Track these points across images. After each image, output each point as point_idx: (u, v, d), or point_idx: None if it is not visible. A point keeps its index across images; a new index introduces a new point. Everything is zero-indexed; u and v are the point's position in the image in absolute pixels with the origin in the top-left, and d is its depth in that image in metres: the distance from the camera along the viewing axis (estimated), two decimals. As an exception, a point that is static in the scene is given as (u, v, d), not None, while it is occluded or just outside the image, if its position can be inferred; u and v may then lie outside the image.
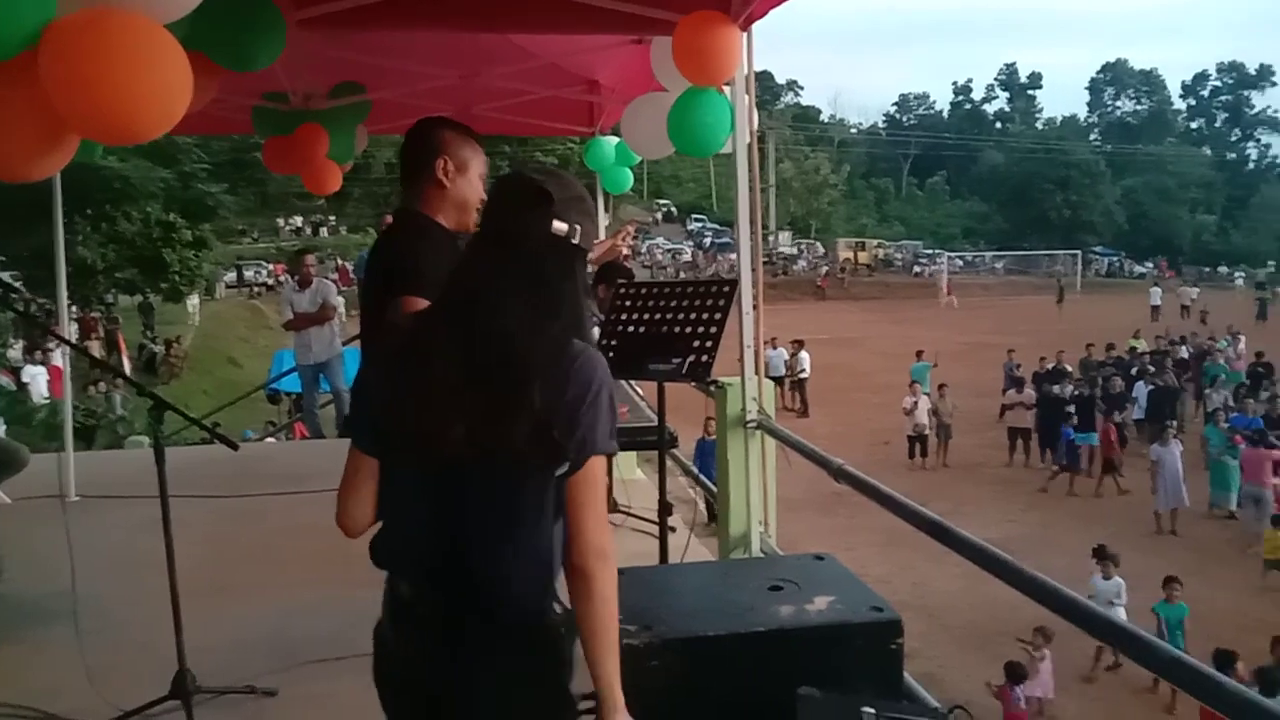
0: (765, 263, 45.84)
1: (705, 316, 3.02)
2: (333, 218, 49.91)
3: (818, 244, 56.77)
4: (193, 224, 24.37)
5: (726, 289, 3.04)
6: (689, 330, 3.04)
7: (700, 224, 59.04)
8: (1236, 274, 55.67)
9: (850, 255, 53.56)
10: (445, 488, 1.55)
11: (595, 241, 5.61)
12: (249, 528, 5.04)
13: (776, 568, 2.67)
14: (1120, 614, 8.35)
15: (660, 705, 2.16)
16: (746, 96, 3.21)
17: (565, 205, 1.61)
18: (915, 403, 16.90)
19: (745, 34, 3.12)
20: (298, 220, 49.84)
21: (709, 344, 2.98)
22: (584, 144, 6.36)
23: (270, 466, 6.35)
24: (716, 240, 53.37)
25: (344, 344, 8.28)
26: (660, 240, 54.03)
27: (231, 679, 3.24)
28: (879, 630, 2.22)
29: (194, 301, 26.80)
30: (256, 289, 37.70)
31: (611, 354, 3.24)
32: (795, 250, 54.93)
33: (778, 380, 21.55)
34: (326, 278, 9.78)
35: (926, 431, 16.93)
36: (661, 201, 62.14)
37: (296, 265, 8.80)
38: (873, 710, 1.96)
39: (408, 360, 1.61)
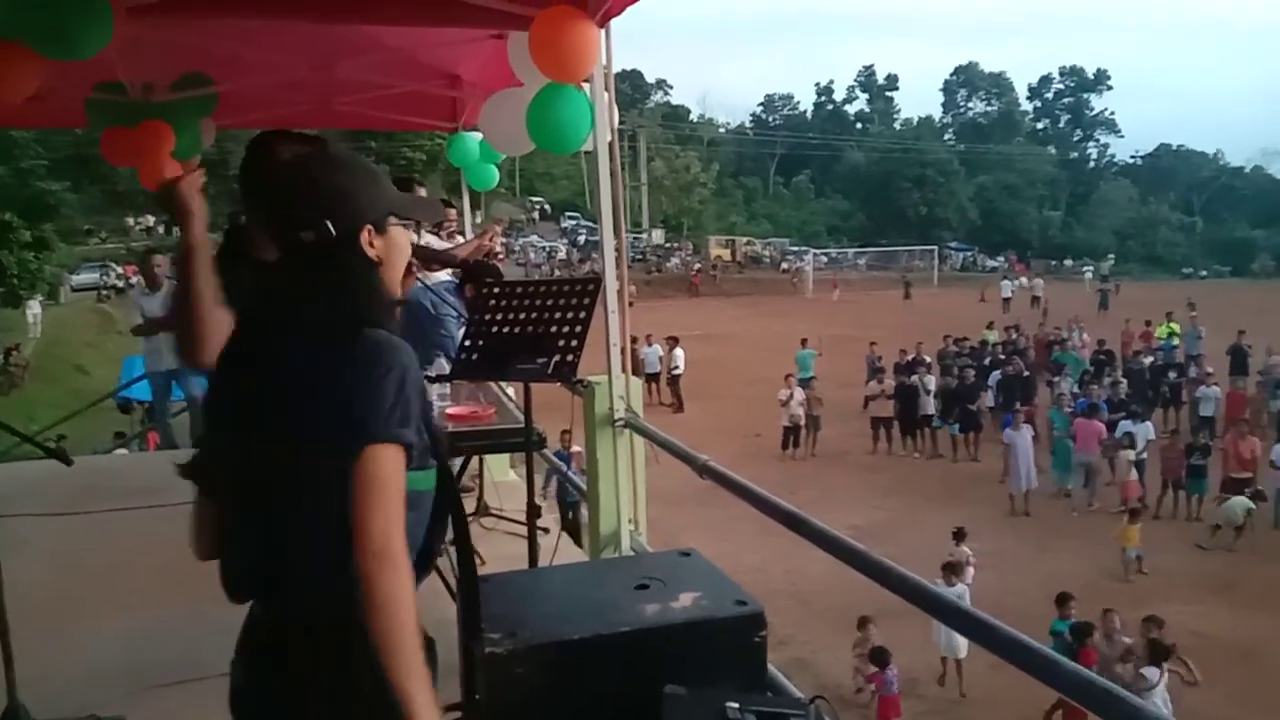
0: (639, 260, 46.22)
1: (570, 316, 2.99)
2: (186, 217, 47.60)
3: (689, 243, 57.52)
4: (31, 224, 22.87)
5: (591, 287, 3.01)
6: (554, 330, 3.00)
7: (574, 221, 58.97)
8: (1085, 268, 59.13)
9: (721, 253, 54.49)
10: (232, 492, 1.56)
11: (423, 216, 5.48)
12: (93, 546, 4.72)
13: (643, 566, 2.67)
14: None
15: (528, 711, 2.13)
16: (606, 94, 3.19)
17: (331, 182, 1.58)
18: (790, 395, 17.33)
19: (603, 30, 3.10)
20: (149, 219, 47.34)
21: (574, 343, 2.95)
22: (445, 139, 6.23)
23: (119, 480, 5.98)
24: (590, 238, 53.34)
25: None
26: (534, 238, 53.73)
27: (73, 709, 3.03)
28: (743, 624, 2.24)
29: (35, 307, 25.04)
30: (105, 292, 35.56)
31: (477, 355, 3.18)
32: (669, 247, 55.54)
33: (653, 377, 21.75)
34: (178, 279, 9.30)
35: (801, 422, 17.39)
36: (535, 199, 61.79)
37: (145, 267, 8.35)
38: (736, 705, 1.97)
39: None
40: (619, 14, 3.07)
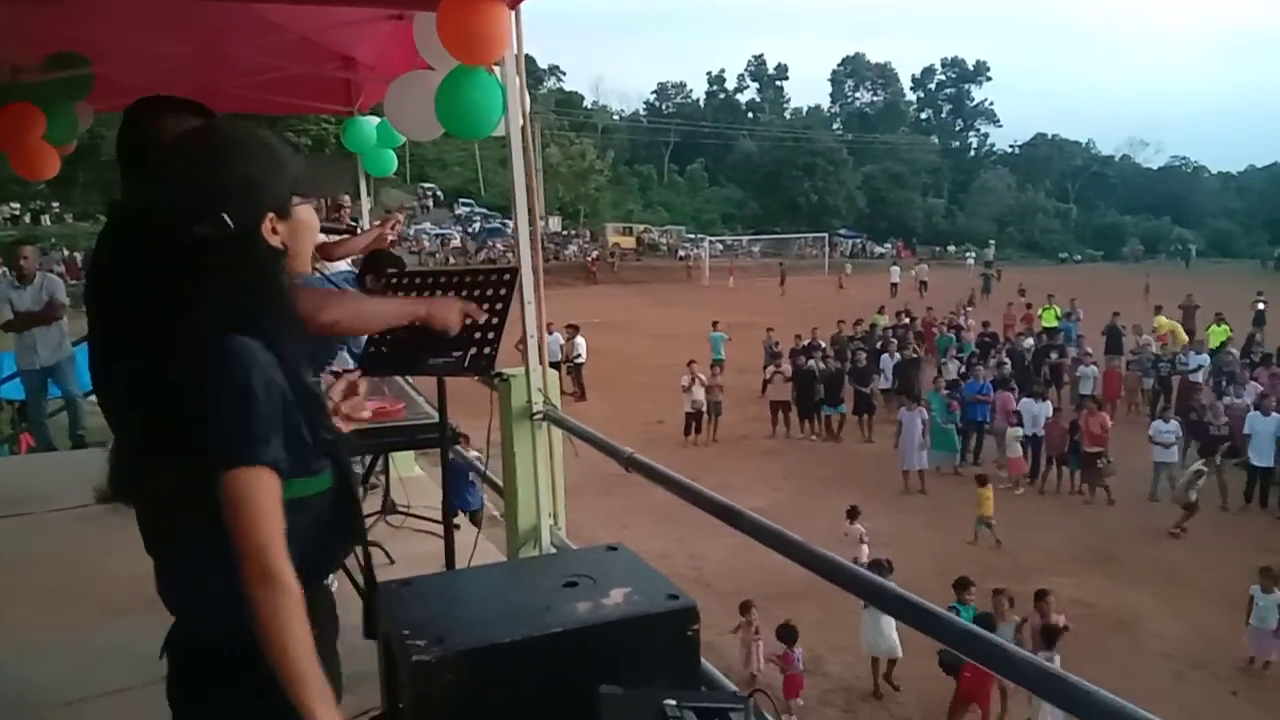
0: (535, 248, 45.68)
1: (486, 307, 2.89)
2: (56, 204, 45.07)
3: (586, 230, 57.42)
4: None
5: (508, 277, 2.92)
6: (469, 321, 2.91)
7: (468, 208, 58.15)
8: (967, 254, 61.36)
9: (620, 240, 54.56)
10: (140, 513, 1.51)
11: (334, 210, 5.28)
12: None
13: (570, 563, 2.60)
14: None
15: (460, 719, 2.05)
16: (518, 78, 3.10)
17: (227, 169, 1.45)
18: (692, 381, 17.45)
19: (514, 12, 3.00)
20: (14, 207, 44.64)
21: (491, 335, 2.85)
22: (341, 124, 6.01)
23: (-11, 487, 5.60)
24: (486, 225, 52.72)
25: (75, 344, 7.48)
26: (427, 226, 52.70)
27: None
28: (676, 618, 2.20)
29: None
30: (-34, 286, 33.39)
31: (385, 349, 3.05)
32: (566, 235, 55.30)
33: (554, 365, 21.56)
34: (52, 271, 8.77)
35: (703, 409, 17.53)
36: (427, 186, 60.63)
37: (13, 259, 7.85)
38: (674, 702, 1.93)
39: None
40: (531, -4, 2.98)
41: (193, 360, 1.37)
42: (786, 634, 8.50)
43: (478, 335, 2.85)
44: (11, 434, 12.16)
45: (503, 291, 2.87)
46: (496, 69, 3.13)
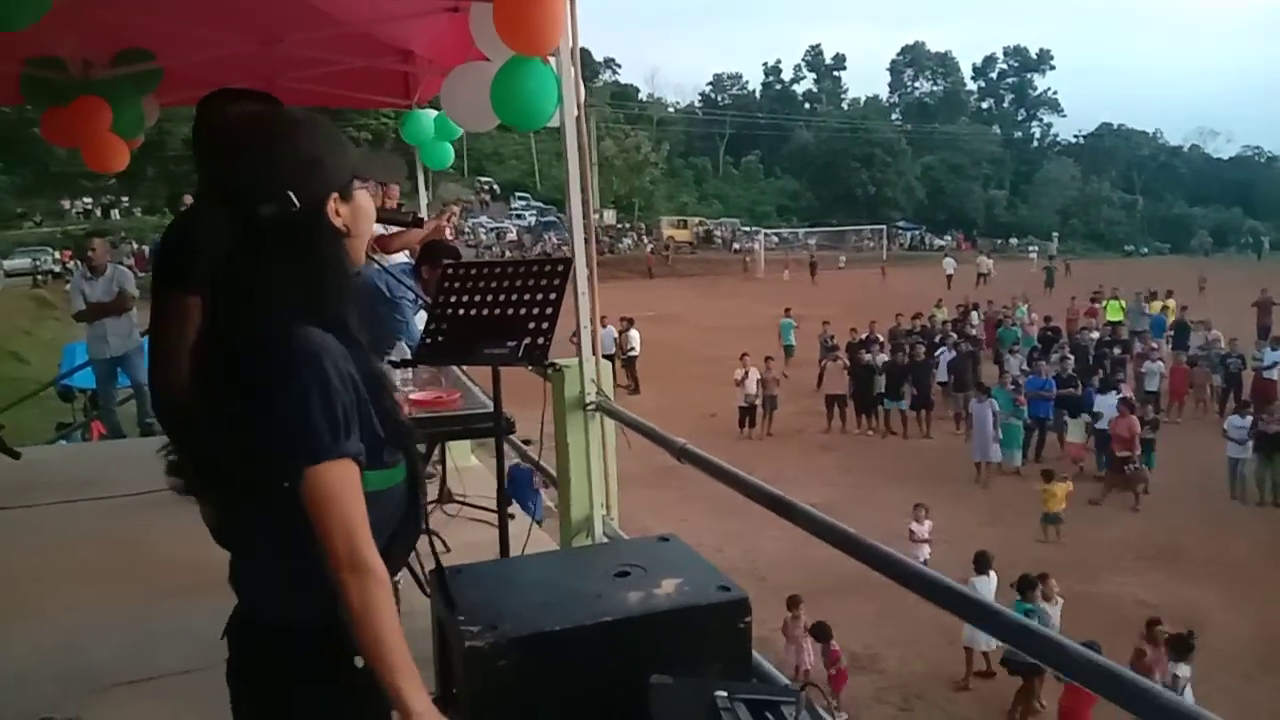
0: (590, 241, 45.85)
1: (540, 297, 2.91)
2: (125, 198, 46.34)
3: (641, 223, 57.45)
4: (-42, 207, 21.99)
5: (561, 268, 2.93)
6: (523, 312, 2.92)
7: (524, 202, 58.48)
8: (1030, 247, 60.11)
9: (674, 233, 54.46)
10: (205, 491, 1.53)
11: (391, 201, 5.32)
12: (28, 542, 4.54)
13: (622, 552, 2.60)
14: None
15: (512, 705, 2.07)
16: (572, 68, 3.10)
17: (293, 147, 1.45)
18: (745, 374, 17.37)
19: (569, 2, 3.00)
20: (86, 201, 45.99)
21: (545, 325, 2.87)
22: (400, 117, 6.07)
23: (60, 472, 5.79)
24: (542, 219, 53.00)
25: (143, 335, 7.69)
26: (484, 219, 53.16)
27: (21, 712, 2.90)
28: (728, 610, 2.19)
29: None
30: (41, 277, 34.49)
31: (441, 339, 3.08)
32: (620, 228, 55.41)
33: (608, 358, 21.65)
34: (121, 263, 9.01)
35: (756, 402, 17.44)
36: (484, 179, 61.12)
37: (84, 251, 8.08)
38: (725, 693, 1.92)
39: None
40: (587, -15, 2.98)
41: (263, 351, 1.37)
42: (821, 631, 8.45)
43: (531, 326, 2.87)
44: (84, 421, 12.56)
45: (556, 282, 2.88)
46: (551, 60, 3.13)
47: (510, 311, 2.93)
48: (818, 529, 2.04)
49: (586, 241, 3.25)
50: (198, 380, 1.44)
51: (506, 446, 4.97)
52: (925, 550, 10.81)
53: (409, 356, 4.21)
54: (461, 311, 3.03)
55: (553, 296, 2.87)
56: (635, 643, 2.12)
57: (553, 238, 46.60)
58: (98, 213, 45.29)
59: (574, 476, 3.30)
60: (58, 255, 36.01)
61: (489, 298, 2.99)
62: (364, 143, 40.65)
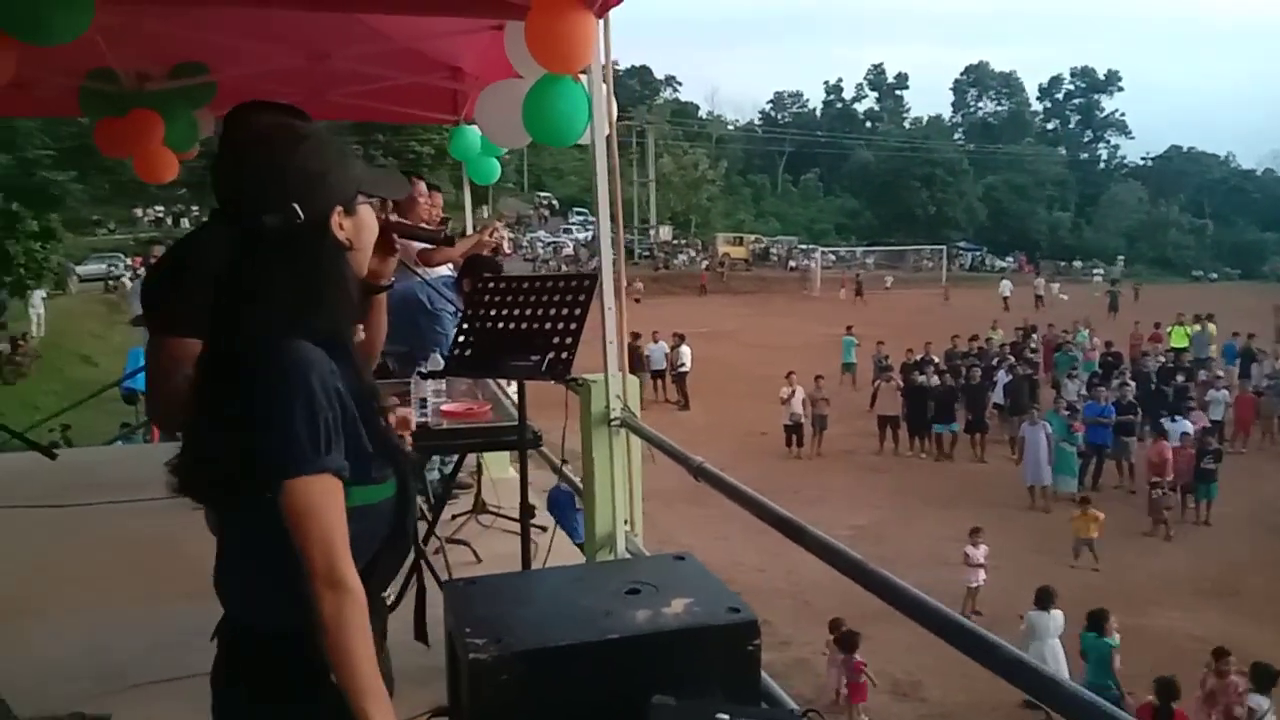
0: (646, 257, 46.06)
1: (565, 312, 2.93)
2: (195, 207, 47.65)
3: (697, 240, 57.47)
4: (38, 214, 22.76)
5: (587, 284, 2.95)
6: (549, 326, 2.94)
7: (582, 217, 58.88)
8: (1094, 270, 58.86)
9: (730, 250, 54.37)
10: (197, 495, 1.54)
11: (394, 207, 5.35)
12: (72, 540, 4.66)
13: (636, 570, 2.59)
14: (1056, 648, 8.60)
15: (513, 719, 2.06)
16: (605, 85, 3.12)
17: (299, 160, 1.47)
18: (791, 392, 17.25)
19: (602, 21, 3.03)
20: (158, 209, 47.37)
21: (569, 340, 2.89)
22: (446, 134, 6.16)
23: (109, 473, 5.94)
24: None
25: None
26: (541, 234, 53.65)
27: (54, 706, 2.97)
28: (736, 632, 2.16)
29: (37, 305, 24.84)
30: (113, 283, 35.58)
31: (471, 351, 3.12)
32: (676, 244, 55.51)
33: (659, 374, 21.70)
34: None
35: (802, 420, 17.30)
36: (543, 194, 61.72)
37: (146, 257, 8.33)
38: (727, 716, 1.90)
39: None
40: (618, 4, 2.98)
41: (252, 362, 1.39)
42: (847, 641, 8.32)
43: (556, 341, 2.89)
44: (144, 422, 12.90)
45: (581, 298, 2.89)
46: (584, 78, 3.16)
47: (536, 326, 2.95)
48: (828, 554, 2.01)
49: (616, 258, 3.25)
50: (200, 381, 1.47)
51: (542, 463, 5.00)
52: (980, 575, 10.60)
53: (442, 367, 4.25)
54: (489, 325, 3.06)
55: (578, 312, 2.88)
56: (640, 661, 2.10)
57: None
58: (168, 221, 46.58)
59: (598, 492, 3.30)
60: (129, 262, 37.10)
61: (516, 312, 3.02)
62: (427, 158, 41.34)
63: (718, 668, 2.16)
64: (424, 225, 3.68)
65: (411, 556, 1.85)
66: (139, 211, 46.88)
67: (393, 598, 1.69)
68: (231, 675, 1.55)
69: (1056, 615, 8.72)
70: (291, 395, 1.36)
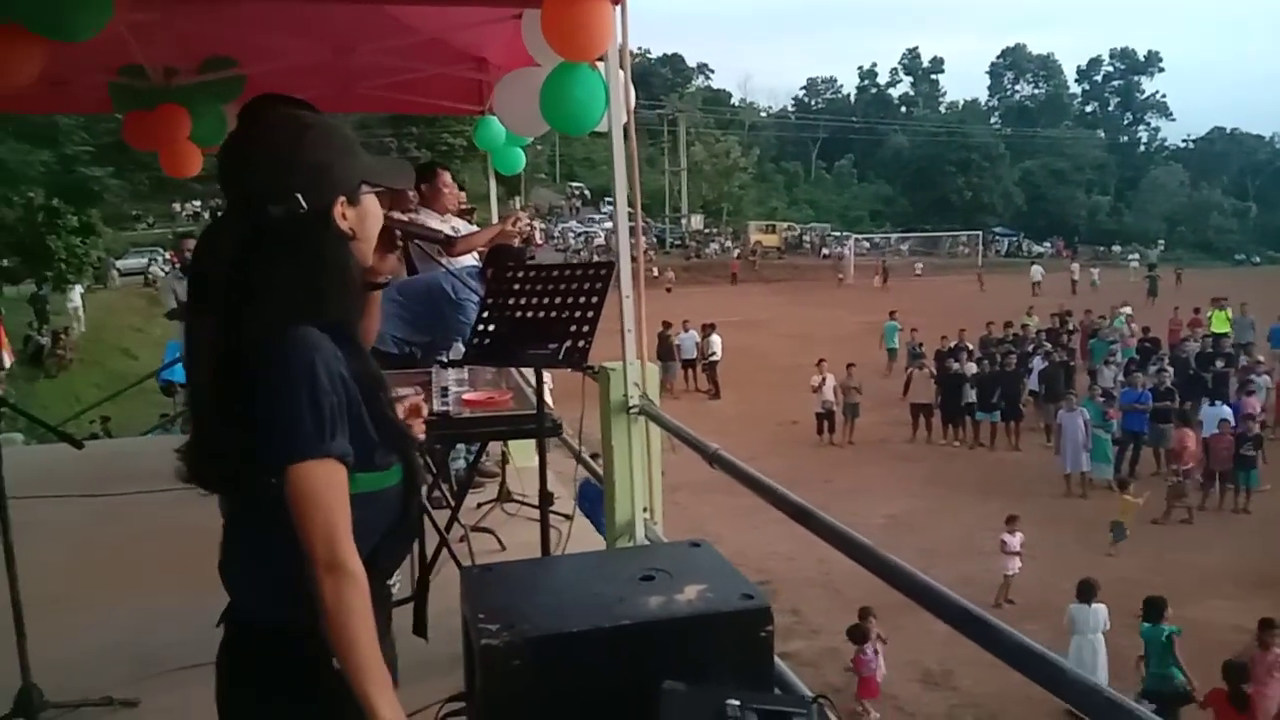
0: (678, 246, 45.89)
1: (582, 300, 2.93)
2: (233, 202, 48.15)
3: (729, 228, 57.26)
4: (78, 209, 23.14)
5: (604, 272, 2.95)
6: (566, 315, 2.95)
7: (614, 206, 58.82)
8: (1130, 255, 57.92)
9: (762, 238, 54.11)
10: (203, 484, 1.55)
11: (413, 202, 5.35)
12: (108, 529, 4.77)
13: (652, 556, 2.60)
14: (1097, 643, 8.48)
15: (525, 704, 2.08)
16: (621, 73, 3.12)
17: (303, 150, 1.48)
18: (823, 380, 17.16)
19: (619, 7, 3.02)
20: (196, 204, 47.99)
21: (586, 329, 2.89)
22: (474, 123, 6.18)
23: (144, 463, 6.04)
24: (629, 224, 53.11)
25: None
26: (573, 224, 53.72)
27: (85, 691, 3.05)
28: (748, 618, 2.17)
29: (75, 299, 25.30)
30: (152, 276, 36.12)
31: (490, 340, 3.13)
32: (708, 233, 55.34)
33: (690, 363, 21.69)
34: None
35: (834, 408, 17.20)
36: (575, 184, 61.76)
37: (180, 251, 8.46)
38: (737, 702, 1.91)
39: None
40: (633, -10, 2.99)
41: (258, 348, 1.41)
42: (855, 634, 8.26)
43: (573, 329, 2.90)
44: (181, 412, 13.13)
45: (599, 285, 2.90)
46: (601, 65, 3.16)
47: (554, 314, 2.96)
48: (837, 540, 2.01)
49: (634, 246, 3.25)
50: (211, 376, 1.49)
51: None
52: (1016, 563, 10.50)
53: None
54: (508, 314, 3.08)
55: (595, 300, 2.89)
56: (652, 648, 2.11)
57: (640, 240, 46.78)
58: (205, 215, 47.18)
59: (618, 479, 3.31)
60: (168, 256, 37.63)
61: (534, 300, 3.02)
62: (460, 149, 41.45)
63: (730, 654, 2.16)
64: (430, 226, 3.68)
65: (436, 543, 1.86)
66: (177, 206, 47.50)
67: (396, 586, 1.70)
68: (233, 667, 1.57)
69: (1099, 609, 8.55)
70: (296, 380, 1.38)
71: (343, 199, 1.52)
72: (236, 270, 1.48)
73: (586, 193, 61.98)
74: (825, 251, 54.68)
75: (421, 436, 1.80)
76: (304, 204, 1.46)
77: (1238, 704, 6.90)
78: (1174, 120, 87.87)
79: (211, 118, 4.73)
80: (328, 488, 1.38)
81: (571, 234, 50.53)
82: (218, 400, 1.46)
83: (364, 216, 1.57)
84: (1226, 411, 14.37)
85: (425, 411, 1.87)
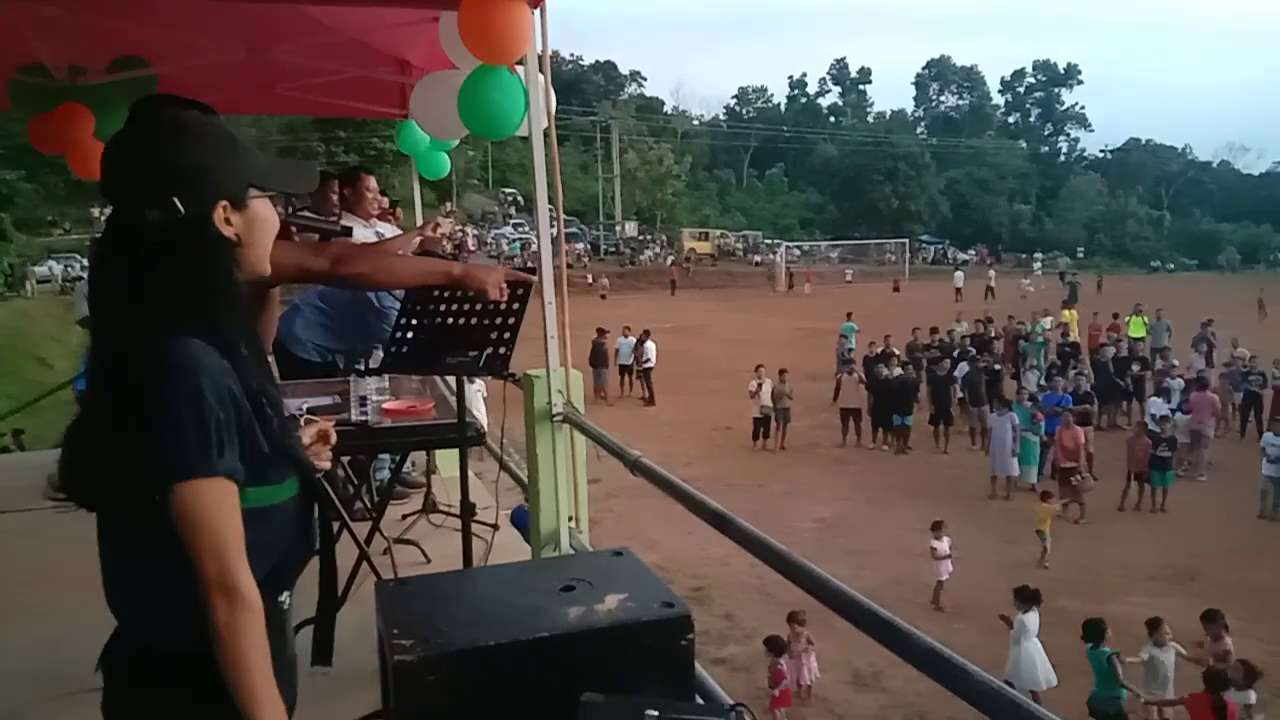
0: (612, 253, 45.97)
1: (503, 307, 2.88)
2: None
3: (663, 235, 57.54)
4: (-12, 214, 22.24)
5: (523, 286, 2.91)
6: (486, 322, 2.90)
7: (549, 213, 58.61)
8: (1036, 260, 59.61)
9: (696, 245, 54.48)
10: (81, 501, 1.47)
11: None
12: (19, 544, 4.57)
13: (573, 567, 2.57)
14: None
15: (441, 721, 2.03)
16: (541, 77, 3.08)
17: (179, 151, 1.42)
18: (759, 385, 17.29)
19: (537, 10, 2.98)
20: (114, 210, 46.51)
21: (507, 335, 2.85)
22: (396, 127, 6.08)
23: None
24: (566, 230, 52.96)
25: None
26: (507, 230, 53.38)
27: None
28: (669, 627, 2.14)
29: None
30: (69, 284, 34.94)
31: (408, 349, 3.07)
32: (642, 240, 55.51)
33: (626, 369, 21.69)
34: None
35: (771, 414, 17.34)
36: (508, 190, 61.44)
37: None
38: (656, 712, 1.88)
39: None
40: (553, -7, 2.96)
41: (140, 362, 1.34)
42: (772, 644, 8.31)
43: (494, 336, 2.85)
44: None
45: (520, 292, 2.85)
46: (521, 69, 3.12)
47: (474, 321, 2.91)
48: (752, 545, 1.99)
49: (556, 253, 3.22)
50: (91, 385, 1.42)
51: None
52: (948, 566, 10.63)
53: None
54: (427, 321, 3.02)
55: (515, 307, 2.84)
56: (572, 659, 2.07)
57: (577, 247, 46.71)
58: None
59: (543, 488, 3.26)
60: (85, 263, 36.42)
61: (454, 307, 2.97)
62: (389, 154, 40.86)
63: (651, 663, 2.14)
64: (321, 217, 3.59)
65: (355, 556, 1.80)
66: (95, 211, 46.05)
67: (287, 603, 1.63)
68: (120, 692, 1.50)
69: (1032, 615, 8.57)
70: (180, 397, 1.32)
71: (224, 204, 1.45)
72: (111, 276, 1.41)
73: (519, 199, 61.70)
74: (757, 259, 55.26)
75: (326, 465, 1.74)
76: (181, 208, 1.39)
77: (1218, 712, 7.10)
78: (1092, 131, 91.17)
79: (118, 116, 4.54)
80: (217, 506, 1.33)
81: (505, 240, 50.21)
82: (95, 406, 1.40)
83: (252, 222, 1.50)
84: (1163, 407, 14.85)
85: (333, 438, 1.80)
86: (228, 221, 1.45)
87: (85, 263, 36.23)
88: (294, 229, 1.73)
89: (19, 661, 3.32)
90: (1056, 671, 8.38)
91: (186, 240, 1.40)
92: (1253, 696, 7.33)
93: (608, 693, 1.97)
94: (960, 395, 17.96)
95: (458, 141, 5.81)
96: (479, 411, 6.37)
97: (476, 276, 2.51)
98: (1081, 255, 63.17)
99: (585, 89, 72.32)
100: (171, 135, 1.43)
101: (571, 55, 77.52)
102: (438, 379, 4.66)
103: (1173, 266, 67.25)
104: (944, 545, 10.69)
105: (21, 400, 16.39)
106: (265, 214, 1.52)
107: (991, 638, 8.82)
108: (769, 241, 58.99)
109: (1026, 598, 8.66)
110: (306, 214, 3.26)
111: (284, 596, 1.56)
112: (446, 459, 5.23)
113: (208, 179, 1.43)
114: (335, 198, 5.00)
